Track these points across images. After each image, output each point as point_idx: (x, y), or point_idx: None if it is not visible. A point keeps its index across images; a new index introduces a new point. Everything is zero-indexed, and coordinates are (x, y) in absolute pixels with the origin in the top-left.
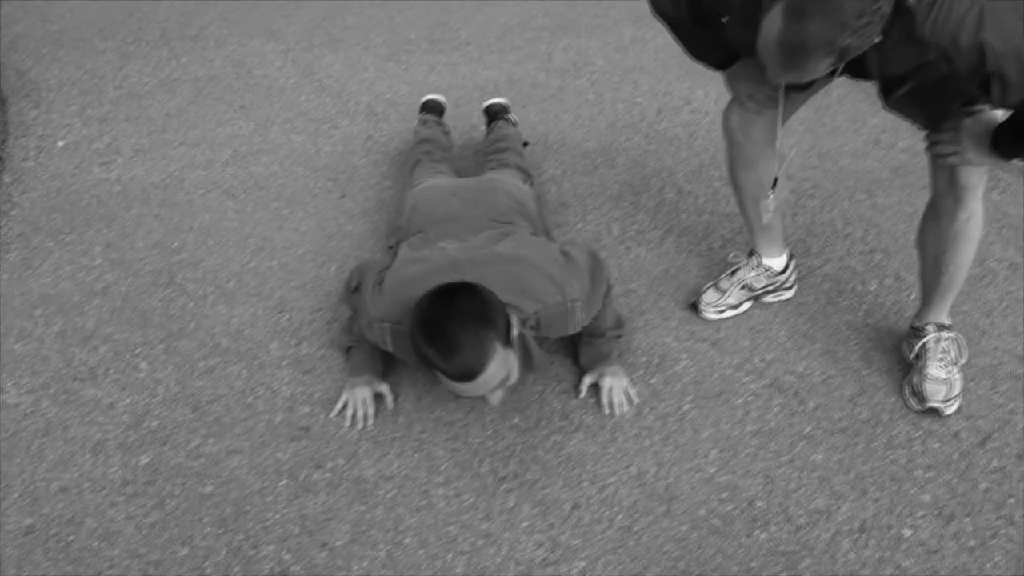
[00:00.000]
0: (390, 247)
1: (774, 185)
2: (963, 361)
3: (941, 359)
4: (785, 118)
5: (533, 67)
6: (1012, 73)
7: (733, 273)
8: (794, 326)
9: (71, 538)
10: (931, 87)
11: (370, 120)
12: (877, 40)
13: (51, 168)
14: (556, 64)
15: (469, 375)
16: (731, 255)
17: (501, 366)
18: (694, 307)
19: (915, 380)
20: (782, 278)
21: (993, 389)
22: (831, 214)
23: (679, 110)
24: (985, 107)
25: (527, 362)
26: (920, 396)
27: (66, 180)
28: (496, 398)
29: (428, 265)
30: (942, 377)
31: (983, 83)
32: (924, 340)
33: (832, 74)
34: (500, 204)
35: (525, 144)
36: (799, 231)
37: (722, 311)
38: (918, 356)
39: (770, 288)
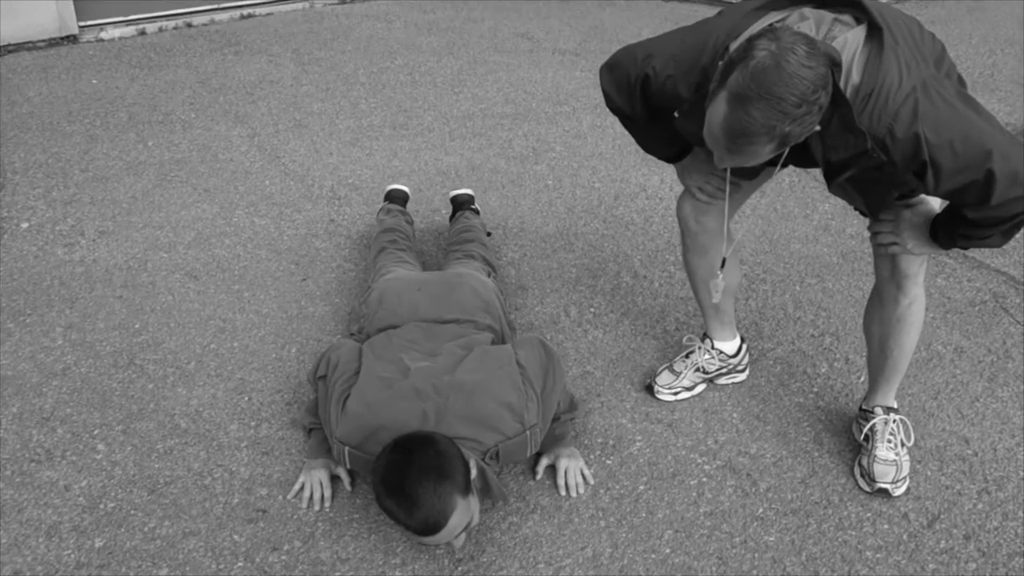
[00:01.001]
0: (352, 334)
1: (722, 266)
2: (910, 443)
3: (889, 441)
4: (735, 207)
5: (494, 153)
6: (945, 162)
7: (687, 356)
8: (747, 408)
9: None
10: (870, 174)
11: (333, 204)
12: (816, 129)
13: (14, 250)
14: (516, 150)
15: (432, 529)
16: (685, 338)
17: (463, 515)
18: (649, 389)
19: (864, 462)
20: (734, 361)
21: (940, 471)
22: (782, 298)
23: (635, 196)
24: (923, 198)
25: (486, 494)
26: (870, 477)
27: (28, 262)
28: (460, 542)
29: (392, 392)
30: (891, 459)
31: (918, 171)
32: (872, 423)
33: (775, 164)
34: (465, 301)
35: (488, 234)
36: (751, 314)
37: (676, 393)
38: (867, 438)
39: (723, 371)
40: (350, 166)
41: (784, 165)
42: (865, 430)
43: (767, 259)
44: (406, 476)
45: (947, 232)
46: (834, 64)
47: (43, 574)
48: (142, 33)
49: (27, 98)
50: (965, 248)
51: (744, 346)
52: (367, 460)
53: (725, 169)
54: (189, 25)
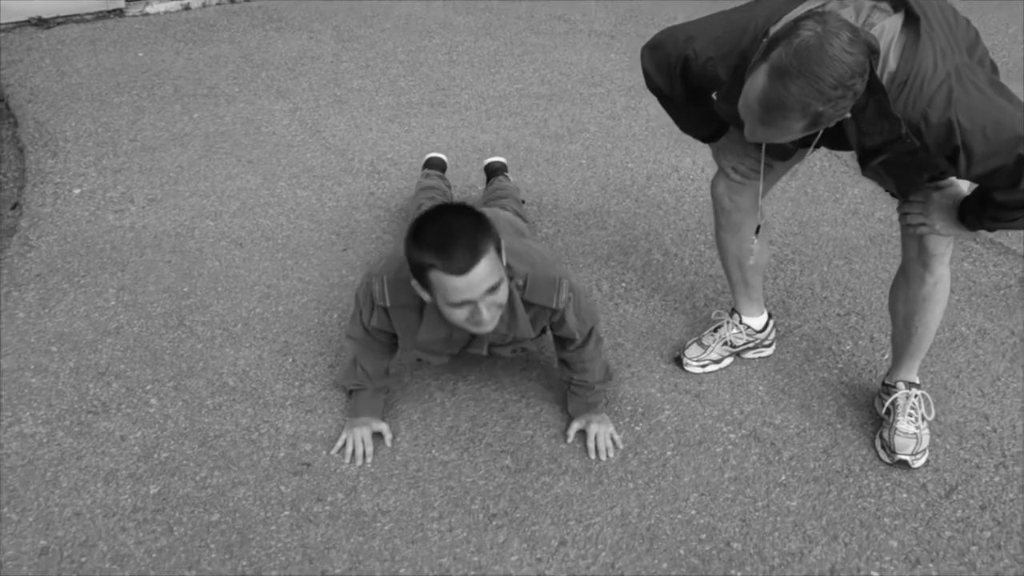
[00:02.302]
0: None
1: (756, 231)
2: (931, 418)
3: (911, 415)
4: (767, 186)
5: (529, 132)
6: (977, 148)
7: (716, 330)
8: (772, 381)
9: (84, 559)
10: (903, 158)
11: (372, 178)
12: (847, 116)
13: (67, 214)
14: (551, 130)
15: (465, 265)
16: (714, 313)
17: (493, 268)
18: (678, 361)
19: (886, 434)
20: (762, 336)
21: (960, 445)
22: (810, 278)
23: (667, 177)
24: (952, 181)
25: (512, 322)
26: (890, 449)
27: (81, 226)
28: (489, 312)
29: None
30: (911, 432)
31: (950, 155)
32: (895, 397)
33: (808, 146)
34: (501, 228)
35: (522, 202)
36: (779, 293)
37: (704, 365)
38: (888, 412)
39: (750, 345)
40: (389, 141)
41: (817, 147)
42: (887, 404)
43: (796, 240)
44: (441, 219)
45: (975, 214)
46: (872, 52)
47: (102, 516)
48: (186, 8)
49: (76, 69)
50: (992, 230)
51: (771, 322)
52: (407, 285)
53: (759, 149)
54: (232, 1)
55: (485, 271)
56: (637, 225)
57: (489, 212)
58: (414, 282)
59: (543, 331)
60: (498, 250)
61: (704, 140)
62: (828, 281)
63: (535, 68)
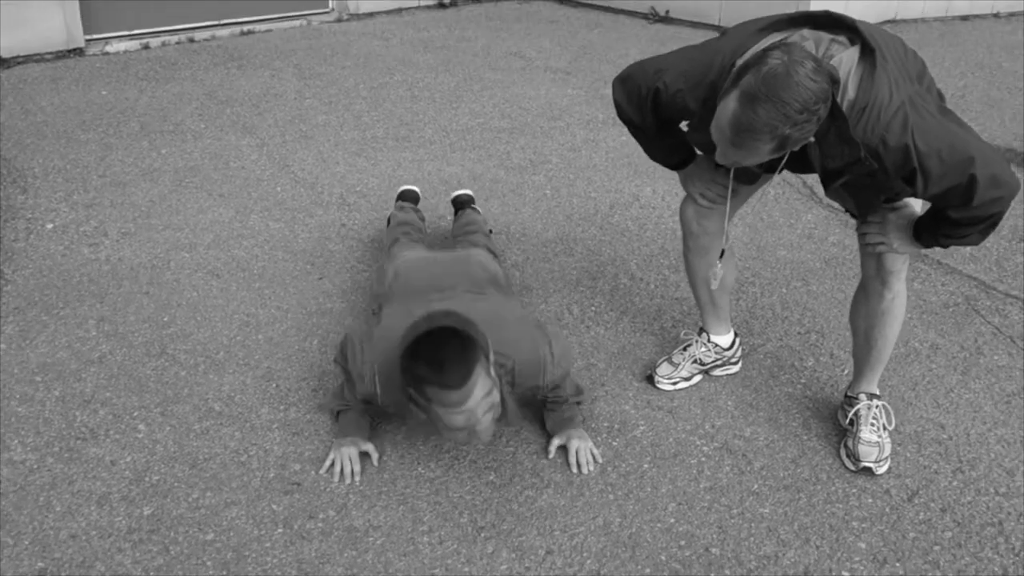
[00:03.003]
0: (373, 312)
1: (721, 256)
2: (891, 427)
3: (872, 424)
4: (733, 211)
5: (493, 164)
6: (933, 169)
7: (685, 348)
8: (740, 396)
9: None
10: (863, 180)
11: (343, 209)
12: (811, 140)
13: (41, 249)
14: (515, 162)
15: (459, 383)
16: (683, 332)
17: (486, 387)
18: (650, 379)
19: (850, 443)
20: (728, 353)
21: (919, 452)
22: (770, 299)
23: (629, 205)
24: (907, 202)
25: (503, 414)
26: (855, 457)
27: (56, 260)
28: (486, 431)
29: (410, 315)
30: (874, 440)
31: (907, 177)
32: (857, 408)
33: (773, 171)
34: (475, 274)
35: (490, 231)
36: (742, 313)
37: (675, 383)
38: (852, 422)
39: (718, 363)
40: (357, 175)
41: (781, 170)
42: (850, 415)
43: (755, 264)
44: (431, 339)
45: (930, 232)
46: (834, 82)
47: (97, 537)
48: (146, 47)
49: (40, 107)
50: (945, 247)
51: (737, 340)
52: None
53: (727, 176)
54: (191, 40)
55: (479, 390)
56: (603, 251)
57: (462, 255)
58: (409, 397)
59: None
60: (487, 362)
61: (673, 168)
62: (788, 302)
63: (495, 103)
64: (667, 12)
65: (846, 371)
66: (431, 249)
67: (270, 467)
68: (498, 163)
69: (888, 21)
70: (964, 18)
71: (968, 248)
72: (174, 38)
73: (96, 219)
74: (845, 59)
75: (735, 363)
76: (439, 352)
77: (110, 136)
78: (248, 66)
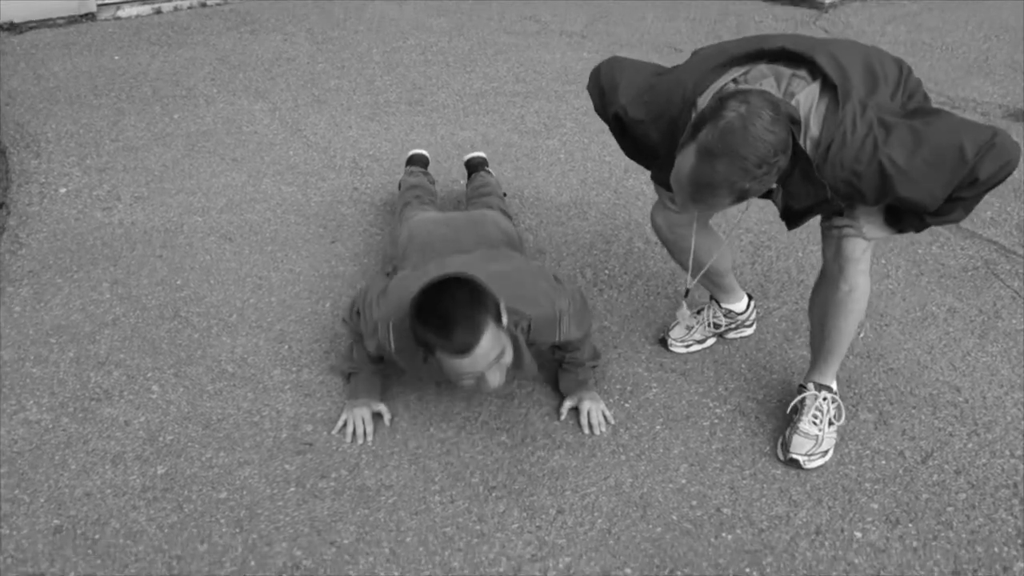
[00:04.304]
0: (387, 274)
1: (686, 295)
2: (840, 423)
3: (815, 416)
4: (707, 219)
5: (507, 129)
6: (926, 179)
7: (699, 312)
8: (754, 359)
9: (97, 536)
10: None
11: (355, 174)
12: (773, 187)
13: (55, 212)
14: (528, 126)
15: (466, 347)
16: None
17: (495, 341)
18: (663, 342)
19: (787, 432)
20: (742, 317)
21: (933, 415)
22: (786, 262)
23: (644, 169)
24: None
25: (518, 362)
26: (786, 447)
27: (70, 223)
28: (495, 379)
29: (427, 273)
30: (812, 433)
31: (906, 207)
32: (803, 396)
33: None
34: (490, 234)
35: (503, 195)
36: (757, 277)
37: (688, 346)
38: (795, 410)
39: (732, 326)
40: (369, 139)
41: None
42: (794, 403)
43: (771, 228)
44: (440, 301)
45: (914, 213)
46: (794, 123)
47: (112, 495)
48: (158, 12)
49: (52, 72)
50: (921, 230)
51: (752, 303)
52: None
53: None
54: (204, 4)
55: (486, 347)
56: (617, 215)
57: (476, 215)
58: (420, 350)
59: None
60: (497, 319)
61: (647, 168)
62: (803, 265)
63: (509, 67)
64: None
65: (862, 334)
66: (444, 211)
67: (282, 427)
68: (512, 127)
69: None
70: None
71: (988, 212)
72: (186, 3)
73: (109, 183)
74: (806, 96)
75: (749, 326)
76: (447, 304)
77: (122, 101)
78: (260, 30)
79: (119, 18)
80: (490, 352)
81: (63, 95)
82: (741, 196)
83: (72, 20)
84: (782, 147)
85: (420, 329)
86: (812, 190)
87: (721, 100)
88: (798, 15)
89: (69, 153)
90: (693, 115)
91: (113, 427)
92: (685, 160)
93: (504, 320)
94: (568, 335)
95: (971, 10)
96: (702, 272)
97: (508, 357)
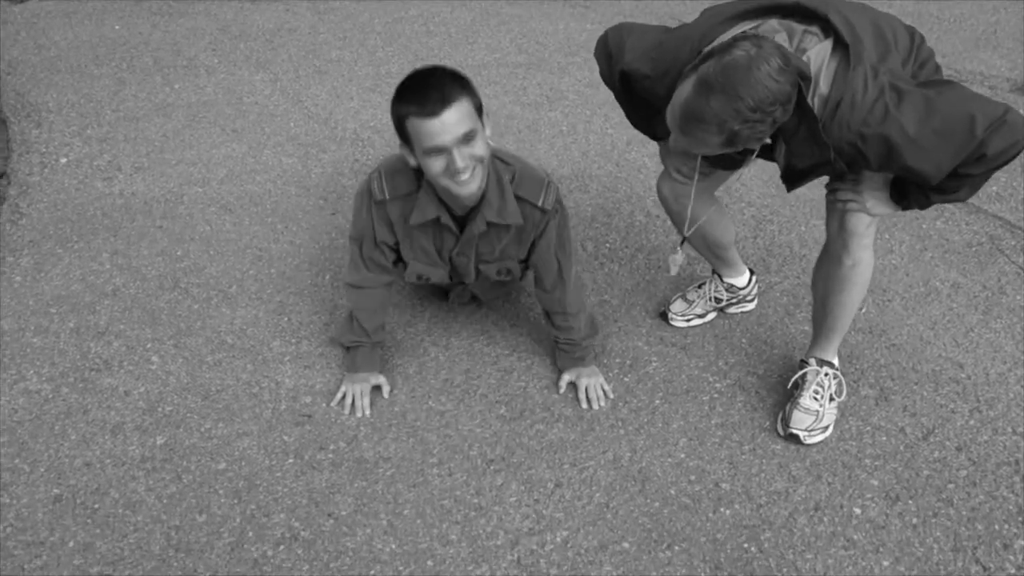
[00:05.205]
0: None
1: (681, 244)
2: (841, 398)
3: (816, 392)
4: (713, 187)
5: (509, 100)
6: (935, 148)
7: (700, 286)
8: (755, 334)
9: (97, 506)
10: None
11: (356, 145)
12: (780, 138)
13: (56, 183)
14: (531, 98)
15: (436, 109)
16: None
17: (466, 115)
18: (663, 316)
19: (787, 407)
20: (744, 292)
21: (936, 391)
22: (788, 237)
23: (647, 142)
24: None
25: (502, 207)
26: (786, 422)
27: (71, 194)
28: (464, 162)
29: None
30: (812, 408)
31: (908, 176)
32: (805, 371)
33: (746, 156)
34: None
35: None
36: (759, 251)
37: (689, 320)
38: (796, 386)
39: (733, 301)
40: (371, 110)
41: (755, 159)
42: (795, 378)
43: (774, 202)
44: (420, 78)
45: (919, 190)
46: (804, 78)
47: (111, 465)
48: None
49: (53, 42)
50: (926, 207)
51: (754, 278)
52: (403, 173)
53: (704, 157)
54: None
55: (456, 116)
56: (619, 188)
57: None
58: (400, 144)
59: (527, 262)
60: (477, 108)
61: (653, 138)
62: (806, 240)
63: (511, 38)
64: None
65: (864, 310)
66: None
67: (281, 399)
68: (514, 99)
69: None
70: None
71: (994, 187)
72: None
73: (110, 153)
74: (817, 53)
75: (751, 301)
76: (426, 78)
77: (123, 71)
78: (262, 0)
79: None
80: (460, 123)
81: (64, 65)
82: (730, 139)
83: None
84: (783, 98)
85: (397, 107)
86: (816, 150)
87: (733, 39)
88: None
89: (70, 123)
90: None
91: (113, 397)
92: (683, 90)
93: (485, 120)
94: (551, 209)
95: None
96: (696, 225)
97: (480, 148)
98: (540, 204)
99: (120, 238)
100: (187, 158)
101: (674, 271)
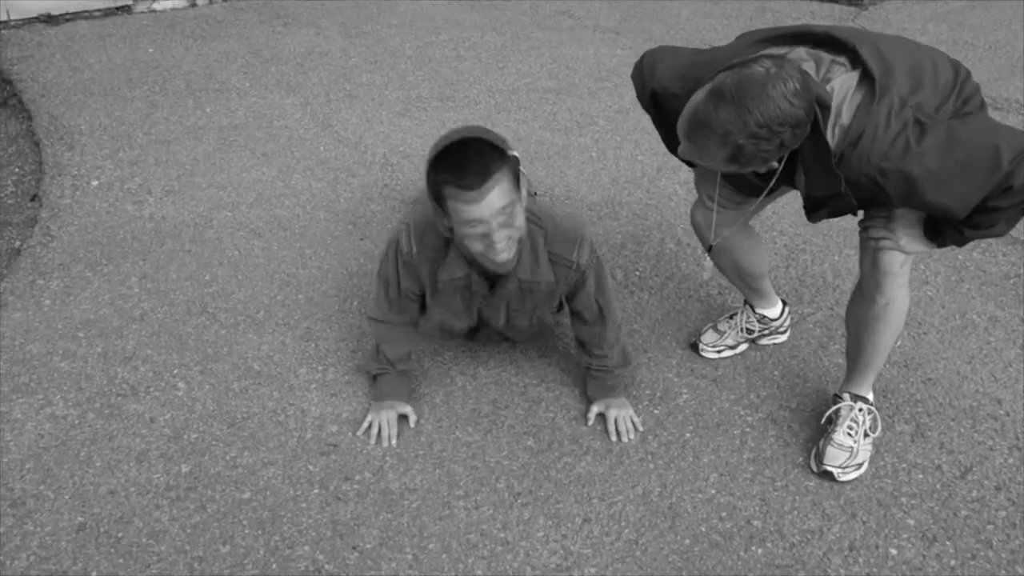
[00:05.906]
0: None
1: (709, 250)
2: (875, 435)
3: (850, 428)
4: (745, 219)
5: (539, 126)
6: (961, 182)
7: (732, 317)
8: (787, 366)
9: (120, 535)
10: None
11: (386, 170)
12: (776, 166)
13: (87, 205)
14: (560, 123)
15: (475, 184)
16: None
17: (506, 192)
18: (694, 347)
19: (821, 443)
20: (776, 323)
21: (973, 428)
22: (822, 267)
23: (678, 169)
24: None
25: (534, 266)
26: (819, 458)
27: (101, 217)
28: (502, 240)
29: None
30: (846, 444)
31: (937, 213)
32: (838, 407)
33: (766, 180)
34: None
35: (533, 194)
36: (792, 281)
37: (720, 351)
38: (829, 421)
39: (765, 332)
40: (400, 135)
41: (777, 188)
42: (829, 413)
43: (807, 231)
44: (456, 151)
45: (953, 226)
46: (822, 106)
47: (136, 494)
48: (193, 5)
49: (87, 64)
50: (963, 244)
51: (787, 309)
52: (433, 229)
53: (729, 182)
54: None
55: (497, 193)
56: (649, 215)
57: None
58: (434, 208)
59: (560, 306)
60: (515, 177)
61: (688, 164)
62: (839, 270)
63: (542, 63)
64: None
65: (899, 342)
66: None
67: (307, 427)
68: (544, 124)
69: None
70: None
71: None
72: None
73: (140, 176)
74: (841, 84)
75: (783, 332)
76: (463, 151)
77: (156, 94)
78: (293, 24)
79: (154, 11)
80: (500, 200)
81: (97, 87)
82: (734, 154)
83: (108, 12)
84: (793, 121)
85: (434, 175)
86: (828, 181)
87: (757, 55)
88: (836, 12)
89: (102, 146)
90: None
91: (139, 424)
92: (696, 96)
93: (522, 184)
94: (586, 266)
95: (1014, 9)
96: (721, 237)
97: (519, 221)
98: (574, 261)
99: (149, 262)
100: (217, 182)
101: (706, 275)
